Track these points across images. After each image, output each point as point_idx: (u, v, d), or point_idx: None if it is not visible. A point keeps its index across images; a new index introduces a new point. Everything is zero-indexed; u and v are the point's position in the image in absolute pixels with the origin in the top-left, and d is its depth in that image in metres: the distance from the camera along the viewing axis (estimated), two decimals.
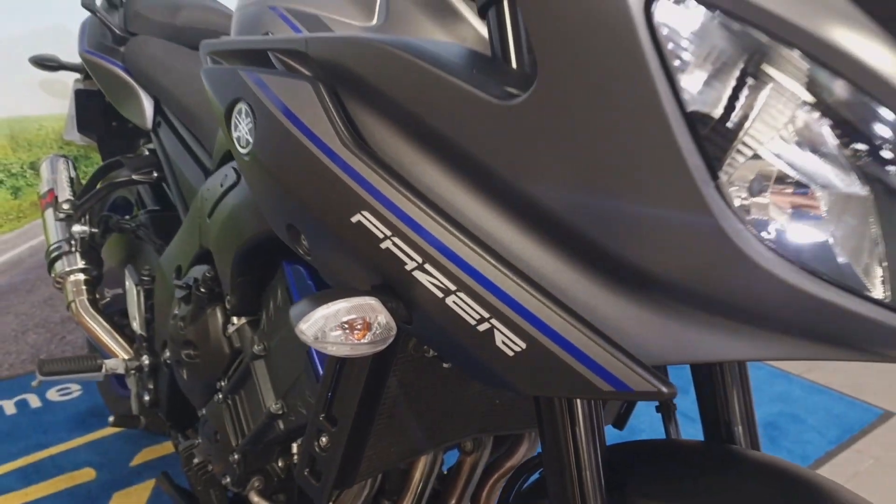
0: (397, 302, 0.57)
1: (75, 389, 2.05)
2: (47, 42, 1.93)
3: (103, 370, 1.35)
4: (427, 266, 0.54)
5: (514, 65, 0.57)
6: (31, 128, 2.03)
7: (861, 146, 0.45)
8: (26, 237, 2.07)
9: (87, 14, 1.61)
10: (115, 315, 1.55)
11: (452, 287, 0.53)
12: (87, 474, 1.68)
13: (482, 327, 0.53)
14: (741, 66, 0.44)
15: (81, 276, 1.50)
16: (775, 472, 0.68)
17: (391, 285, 0.57)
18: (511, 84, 0.51)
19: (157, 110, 1.43)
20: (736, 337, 0.49)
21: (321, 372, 0.80)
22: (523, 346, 0.51)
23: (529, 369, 0.52)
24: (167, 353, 1.19)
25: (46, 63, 1.78)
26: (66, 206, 1.52)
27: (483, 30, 0.69)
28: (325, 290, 0.60)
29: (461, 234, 0.52)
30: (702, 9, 0.43)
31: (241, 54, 0.75)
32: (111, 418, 1.40)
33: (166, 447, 1.78)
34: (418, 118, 0.55)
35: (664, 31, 0.43)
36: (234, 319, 0.99)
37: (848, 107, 0.44)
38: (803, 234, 0.46)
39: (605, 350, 0.49)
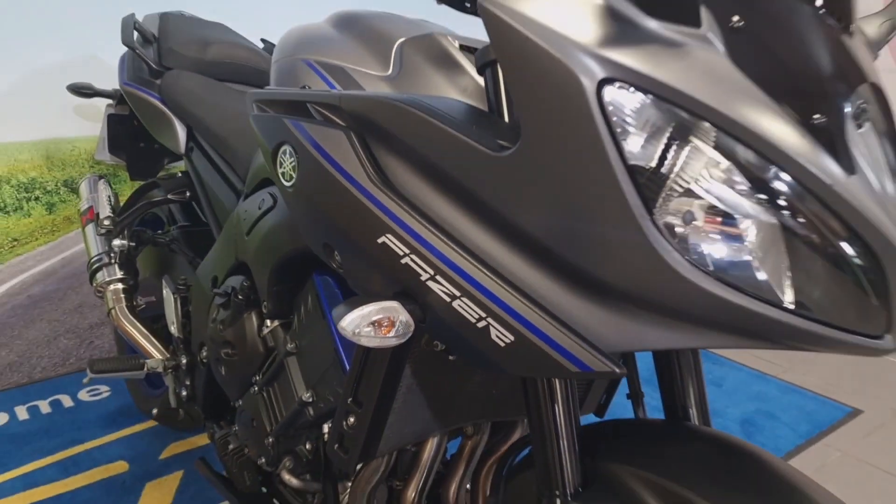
0: (415, 305, 0.73)
1: (104, 390, 2.21)
2: (80, 71, 2.10)
3: (145, 369, 1.52)
4: (438, 277, 0.70)
5: (506, 118, 0.74)
6: (65, 148, 2.20)
7: (760, 193, 0.61)
8: (59, 249, 2.24)
9: (116, 45, 1.78)
10: (149, 320, 1.71)
11: (457, 293, 0.69)
12: (120, 466, 1.84)
13: (480, 324, 0.69)
14: (668, 132, 0.60)
15: (120, 286, 1.67)
16: (720, 442, 0.83)
17: (409, 292, 0.74)
18: (502, 137, 0.68)
19: (190, 136, 1.59)
20: (671, 330, 0.65)
21: (347, 365, 0.96)
22: (512, 338, 0.67)
23: (517, 356, 0.68)
24: (204, 353, 1.35)
25: (83, 90, 1.95)
26: (107, 223, 1.69)
27: (482, 81, 0.85)
28: (356, 297, 0.76)
29: (464, 252, 0.69)
30: (639, 93, 0.59)
31: (284, 103, 0.91)
32: (154, 411, 1.56)
33: (191, 443, 1.94)
34: (430, 162, 0.72)
35: (611, 108, 0.59)
36: (268, 322, 1.15)
37: (747, 161, 0.60)
38: (730, 255, 0.62)
39: (573, 340, 0.65)
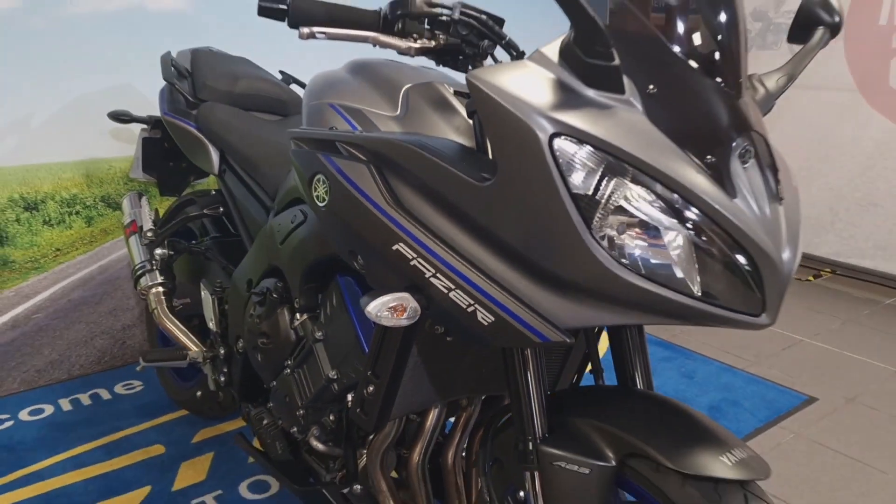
0: (421, 296, 0.98)
1: (138, 385, 2.45)
2: (117, 98, 2.35)
3: (188, 358, 1.77)
4: (438, 275, 0.95)
5: (489, 156, 0.99)
6: (103, 168, 2.45)
7: (672, 213, 0.85)
8: (96, 258, 2.49)
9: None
10: (184, 319, 1.96)
11: (452, 286, 0.94)
12: (157, 449, 2.09)
13: (470, 309, 0.94)
14: (601, 171, 0.85)
15: (161, 289, 1.92)
16: (657, 401, 1.08)
17: (417, 286, 0.98)
18: (484, 170, 0.93)
19: (223, 160, 1.84)
20: (608, 311, 0.90)
21: (366, 348, 1.21)
22: (493, 319, 0.92)
23: (497, 332, 0.93)
24: (240, 344, 1.60)
25: (121, 116, 2.19)
26: (149, 234, 1.94)
27: (471, 122, 1.10)
28: (376, 290, 1.01)
29: (456, 256, 0.94)
30: (579, 144, 0.84)
31: (317, 141, 1.15)
32: (199, 393, 1.80)
33: (219, 429, 2.18)
34: (431, 189, 0.97)
35: (559, 154, 0.84)
36: (298, 315, 1.40)
37: (660, 191, 0.85)
38: (654, 258, 0.87)
39: (538, 319, 0.90)
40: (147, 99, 2.39)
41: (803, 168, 3.51)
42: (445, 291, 0.95)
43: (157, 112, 2.19)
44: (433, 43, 1.07)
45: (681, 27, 0.92)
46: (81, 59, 2.34)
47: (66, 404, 2.34)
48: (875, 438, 2.15)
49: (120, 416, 2.27)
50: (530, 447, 1.02)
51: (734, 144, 0.89)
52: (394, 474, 1.39)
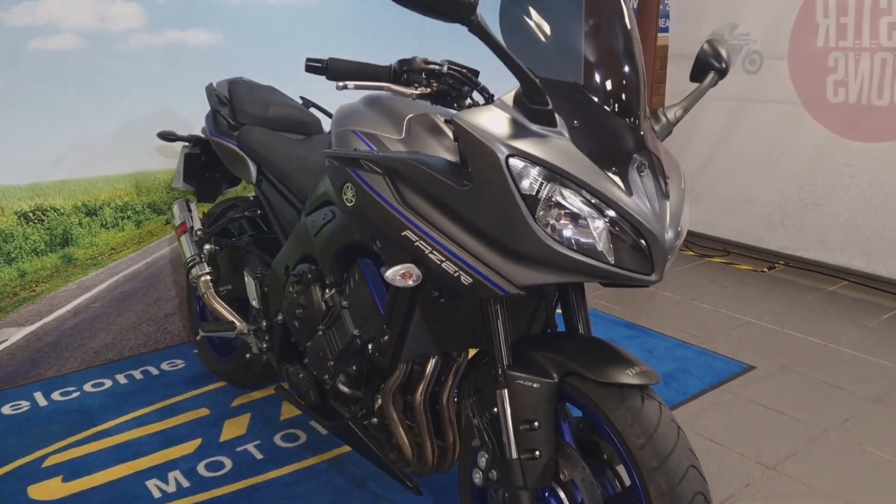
0: (422, 266, 1.42)
1: (180, 363, 2.88)
2: (161, 120, 2.79)
3: (237, 330, 2.20)
4: (433, 251, 1.39)
5: (469, 168, 1.42)
6: (150, 179, 2.89)
7: (592, 206, 1.29)
8: (144, 256, 2.92)
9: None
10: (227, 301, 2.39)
11: (443, 259, 1.37)
12: (203, 412, 2.52)
13: (456, 274, 1.37)
14: (540, 179, 1.28)
15: (209, 277, 2.36)
16: (592, 340, 1.51)
17: (419, 259, 1.42)
18: (465, 179, 1.36)
19: (260, 172, 2.28)
20: (550, 273, 1.33)
21: (381, 311, 1.64)
22: (471, 280, 1.36)
23: (474, 289, 1.36)
24: (279, 317, 2.04)
25: (168, 136, 2.63)
26: (199, 233, 2.38)
27: (456, 144, 1.53)
28: (390, 264, 1.45)
29: (446, 237, 1.37)
30: (525, 161, 1.28)
31: (345, 159, 1.59)
32: (248, 355, 2.24)
33: (252, 396, 2.61)
34: (427, 191, 1.40)
35: (513, 167, 1.28)
36: (328, 290, 1.83)
37: (582, 192, 1.29)
38: (582, 236, 1.31)
39: (501, 279, 1.34)
40: (186, 120, 2.84)
41: (757, 171, 3.96)
42: (439, 262, 1.38)
43: (195, 132, 2.64)
44: (429, 89, 1.51)
45: (597, 79, 1.36)
46: (133, 87, 2.78)
47: (121, 379, 2.77)
48: (798, 397, 2.59)
49: (168, 387, 2.70)
50: (500, 373, 1.45)
51: (633, 160, 1.33)
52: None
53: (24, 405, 2.59)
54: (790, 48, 3.71)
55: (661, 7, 4.47)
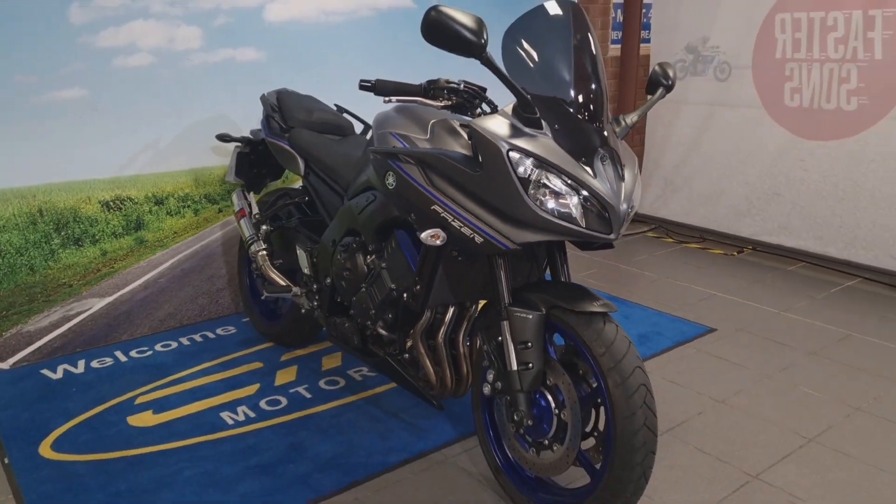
0: (446, 230, 1.95)
1: (232, 328, 3.42)
2: (217, 123, 3.32)
3: (292, 292, 2.74)
4: (455, 220, 1.92)
5: (480, 159, 1.96)
6: (206, 173, 3.42)
7: (569, 186, 1.83)
8: (200, 239, 3.46)
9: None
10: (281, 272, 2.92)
11: (462, 225, 1.91)
12: (257, 364, 3.05)
13: (471, 236, 1.91)
14: (531, 166, 1.82)
15: (265, 252, 2.89)
16: (571, 284, 2.04)
17: (444, 226, 1.95)
18: (477, 167, 1.90)
19: (307, 166, 2.81)
20: (536, 233, 1.86)
21: (413, 269, 2.17)
22: (482, 240, 1.89)
23: (484, 247, 1.90)
24: (327, 281, 2.57)
25: (224, 137, 3.17)
26: (256, 216, 2.92)
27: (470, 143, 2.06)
28: (422, 229, 1.98)
29: (464, 209, 1.90)
30: (521, 154, 1.81)
31: (387, 154, 2.12)
32: (303, 310, 2.78)
33: (296, 353, 3.14)
34: (449, 177, 1.94)
35: (511, 158, 1.81)
36: (369, 256, 2.36)
37: (561, 177, 1.82)
38: (562, 208, 1.84)
39: (503, 237, 1.87)
40: (235, 124, 3.37)
41: (727, 167, 4.50)
42: (459, 227, 1.91)
43: (244, 134, 3.18)
44: (450, 102, 2.04)
45: (572, 94, 1.89)
46: (193, 96, 3.32)
47: (185, 341, 3.30)
48: (749, 351, 3.12)
49: (225, 347, 3.23)
50: (503, 307, 1.98)
51: (598, 153, 1.86)
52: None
53: (108, 360, 3.12)
54: (754, 59, 4.25)
55: (643, 20, 5.00)
